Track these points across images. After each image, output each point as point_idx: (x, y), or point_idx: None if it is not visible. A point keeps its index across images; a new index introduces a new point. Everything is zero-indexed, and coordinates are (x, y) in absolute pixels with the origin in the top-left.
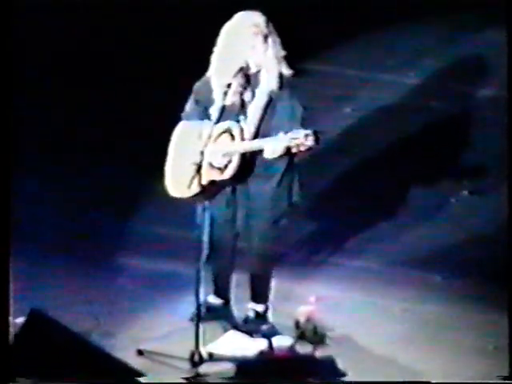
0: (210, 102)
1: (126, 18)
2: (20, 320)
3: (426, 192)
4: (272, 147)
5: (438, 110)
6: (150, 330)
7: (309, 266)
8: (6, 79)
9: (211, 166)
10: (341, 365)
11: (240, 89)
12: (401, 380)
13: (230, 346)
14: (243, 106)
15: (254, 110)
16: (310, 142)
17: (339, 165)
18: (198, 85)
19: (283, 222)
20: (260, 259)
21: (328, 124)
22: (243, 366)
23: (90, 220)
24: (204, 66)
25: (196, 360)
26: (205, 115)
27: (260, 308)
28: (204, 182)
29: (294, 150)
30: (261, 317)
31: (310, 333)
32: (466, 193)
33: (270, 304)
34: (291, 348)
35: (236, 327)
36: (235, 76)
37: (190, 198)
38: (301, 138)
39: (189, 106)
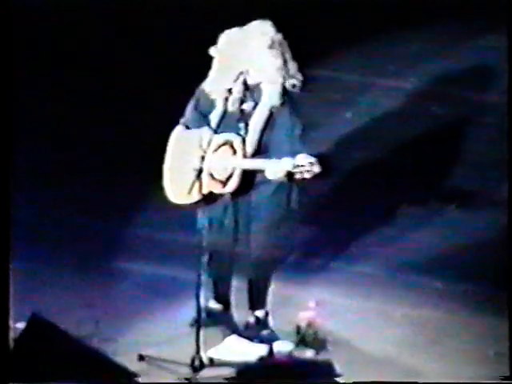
0: (211, 108)
1: (128, 20)
2: (20, 325)
3: (426, 197)
4: (274, 169)
5: (439, 115)
6: (150, 335)
7: (309, 271)
8: (6, 79)
9: (212, 177)
10: (341, 369)
11: (240, 96)
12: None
13: (231, 352)
14: (243, 115)
15: (255, 123)
16: (316, 169)
17: (340, 170)
18: (199, 90)
19: (282, 228)
20: (259, 265)
21: (328, 129)
22: (244, 371)
23: (91, 225)
24: (205, 70)
25: (196, 365)
26: (204, 122)
27: (260, 313)
28: (204, 191)
29: (297, 176)
30: (261, 322)
31: (311, 338)
32: (467, 197)
33: (269, 309)
34: (291, 353)
35: (236, 332)
36: (235, 81)
37: (189, 204)
38: (306, 167)
39: (188, 112)
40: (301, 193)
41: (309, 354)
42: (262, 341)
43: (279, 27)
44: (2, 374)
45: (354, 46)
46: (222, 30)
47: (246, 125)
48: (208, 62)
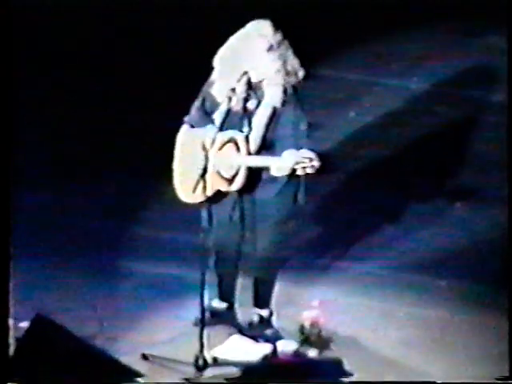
0: (216, 107)
1: (128, 20)
2: (24, 324)
3: (429, 197)
4: (278, 166)
5: (442, 114)
6: (154, 334)
7: (313, 271)
8: (6, 79)
9: (219, 175)
10: (345, 368)
11: (244, 95)
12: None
13: (235, 351)
14: (247, 113)
15: (259, 121)
16: (315, 164)
17: (344, 169)
18: (204, 89)
19: (288, 226)
20: (264, 263)
21: (332, 128)
22: (247, 370)
23: (94, 224)
24: (205, 70)
25: (200, 364)
26: (209, 120)
27: (264, 312)
28: (211, 190)
29: (299, 172)
30: (265, 321)
31: (315, 337)
32: (469, 198)
33: (274, 308)
34: (296, 352)
35: (240, 332)
36: (239, 81)
37: (198, 203)
38: (306, 163)
39: (194, 110)
40: (307, 190)
41: (312, 353)
42: (265, 340)
43: (280, 27)
44: (3, 374)
45: (356, 45)
46: (222, 30)
47: (250, 122)
48: (208, 61)
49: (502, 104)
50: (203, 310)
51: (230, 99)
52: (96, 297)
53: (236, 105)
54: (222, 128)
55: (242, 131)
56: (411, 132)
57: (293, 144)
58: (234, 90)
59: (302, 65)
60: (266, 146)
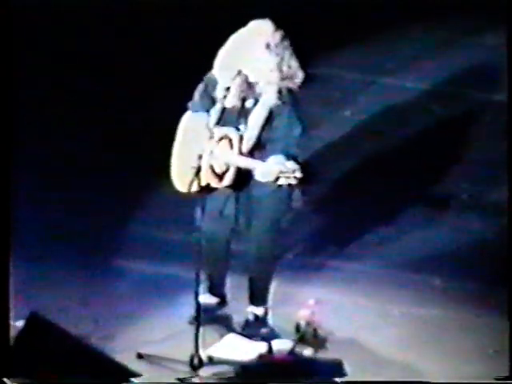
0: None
1: (128, 20)
2: (19, 323)
3: (425, 195)
4: (262, 171)
5: (438, 113)
6: (149, 333)
7: (309, 270)
8: (6, 79)
9: (212, 169)
10: (341, 367)
11: (240, 93)
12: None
13: (230, 350)
14: (244, 111)
15: (254, 121)
16: (298, 175)
17: (339, 168)
18: (208, 76)
19: (283, 225)
20: (260, 262)
21: (328, 127)
22: (243, 369)
23: (90, 223)
24: (205, 70)
25: (196, 363)
26: (211, 107)
27: (260, 311)
28: (203, 183)
29: (281, 182)
30: (260, 320)
31: (310, 336)
32: (465, 196)
33: (269, 307)
34: (291, 351)
35: (235, 330)
36: (234, 79)
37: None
38: (288, 173)
39: (197, 96)
40: (303, 191)
41: (308, 352)
42: (261, 339)
43: (279, 25)
44: (2, 372)
45: (353, 44)
46: (222, 30)
47: (247, 121)
48: (208, 61)
49: (500, 103)
50: (198, 309)
51: (224, 97)
52: (91, 295)
53: (233, 103)
54: (218, 124)
55: (238, 129)
56: (407, 131)
57: (282, 149)
58: (228, 88)
59: (301, 64)
60: (259, 147)
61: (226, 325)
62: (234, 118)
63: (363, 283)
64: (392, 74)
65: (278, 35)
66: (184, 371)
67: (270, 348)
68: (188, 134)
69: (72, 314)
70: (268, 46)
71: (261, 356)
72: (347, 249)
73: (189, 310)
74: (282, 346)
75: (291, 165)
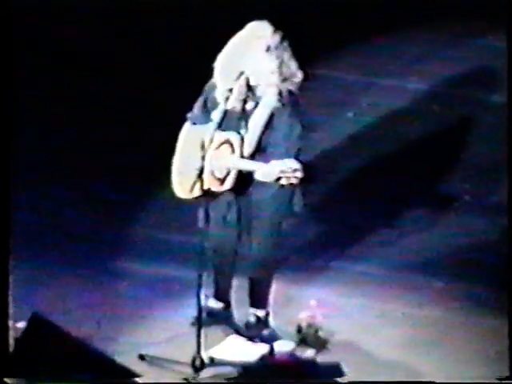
0: (217, 105)
1: (128, 20)
2: (21, 324)
3: (427, 197)
4: (263, 172)
5: (440, 114)
6: (151, 334)
7: (310, 271)
8: (6, 79)
9: (213, 174)
10: (342, 368)
11: (242, 96)
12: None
13: (232, 351)
14: (245, 114)
15: (255, 123)
16: (299, 175)
17: (341, 170)
18: (207, 86)
19: (284, 227)
20: (261, 264)
21: (330, 129)
22: (244, 370)
23: (92, 224)
24: (205, 70)
25: (197, 365)
26: (211, 118)
27: (261, 313)
28: (204, 188)
29: (283, 182)
30: (262, 321)
31: (312, 337)
32: (467, 197)
33: (270, 309)
34: (292, 353)
35: (237, 332)
36: (236, 81)
37: (191, 200)
38: (289, 173)
39: (197, 108)
40: (303, 193)
41: (309, 353)
42: (262, 340)
43: (279, 27)
44: (2, 373)
45: (355, 45)
46: (221, 30)
47: (247, 124)
48: (208, 62)
49: (501, 104)
50: (200, 310)
51: (227, 99)
52: (93, 297)
53: (231, 105)
54: (220, 128)
55: (239, 132)
56: (409, 132)
57: (283, 150)
58: (231, 90)
59: (300, 65)
60: (260, 150)
61: (227, 326)
62: (234, 120)
63: (365, 284)
64: (394, 76)
65: (278, 37)
66: (186, 373)
67: (272, 349)
68: (187, 146)
69: (74, 316)
70: (268, 48)
71: (262, 357)
72: (348, 250)
73: (191, 312)
74: (283, 347)
75: (292, 164)
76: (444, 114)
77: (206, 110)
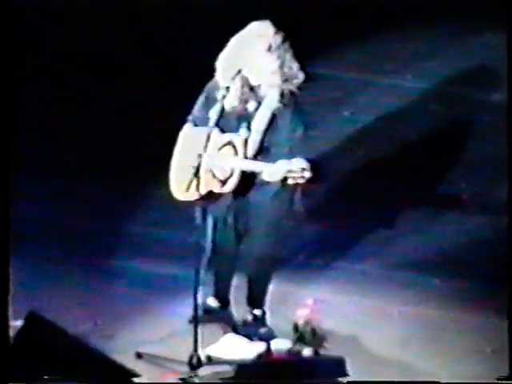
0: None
1: (128, 20)
2: (18, 323)
3: (425, 195)
4: (269, 172)
5: (438, 113)
6: (148, 332)
7: (308, 270)
8: (6, 79)
9: (213, 175)
10: (340, 366)
11: (241, 95)
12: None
13: (229, 349)
14: (247, 115)
15: (257, 124)
16: (307, 175)
17: (338, 168)
18: (208, 87)
19: (283, 226)
20: (259, 264)
21: (327, 128)
22: (241, 369)
23: (89, 222)
24: (206, 70)
25: (194, 363)
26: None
27: (258, 311)
28: (204, 190)
29: (290, 181)
30: (259, 320)
31: (309, 336)
32: (465, 196)
33: (267, 307)
34: (289, 351)
35: (234, 330)
36: (233, 79)
37: (190, 200)
38: (298, 172)
39: (197, 109)
40: (303, 194)
41: (306, 351)
42: (260, 338)
43: (279, 26)
44: (1, 372)
45: (352, 44)
46: (221, 30)
47: (249, 125)
48: (208, 62)
49: (501, 104)
50: (197, 308)
51: (224, 97)
52: (90, 295)
53: (232, 102)
54: (219, 127)
55: (241, 133)
56: (406, 131)
57: (287, 150)
58: (228, 88)
59: (301, 66)
60: (263, 151)
61: (225, 324)
62: (235, 121)
63: (363, 283)
64: (391, 74)
65: (279, 37)
66: (183, 371)
67: (269, 348)
68: (186, 147)
69: (71, 314)
70: (269, 48)
71: (259, 356)
72: (347, 249)
73: (188, 310)
74: (280, 345)
75: (301, 164)
76: (442, 113)
77: (207, 111)
